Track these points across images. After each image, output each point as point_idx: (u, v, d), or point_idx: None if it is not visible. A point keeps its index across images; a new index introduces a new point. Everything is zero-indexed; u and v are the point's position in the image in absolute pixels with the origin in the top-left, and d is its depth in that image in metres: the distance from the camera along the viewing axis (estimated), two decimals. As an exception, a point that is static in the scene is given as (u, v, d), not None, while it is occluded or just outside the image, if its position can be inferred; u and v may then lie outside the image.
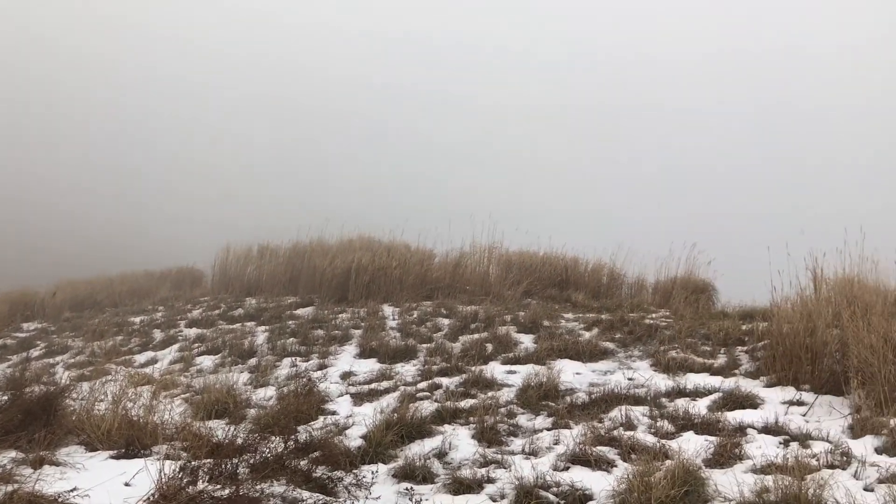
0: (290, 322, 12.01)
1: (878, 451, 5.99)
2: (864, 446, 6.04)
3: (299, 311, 12.82)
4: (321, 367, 9.40)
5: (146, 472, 5.09)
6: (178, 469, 5.03)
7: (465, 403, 7.53)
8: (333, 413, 7.56)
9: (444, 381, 8.40)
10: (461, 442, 6.55)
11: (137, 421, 6.35)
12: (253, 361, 10.02)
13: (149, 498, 4.66)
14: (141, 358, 11.16)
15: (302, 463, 5.87)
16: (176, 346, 11.53)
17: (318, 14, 44.24)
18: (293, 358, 9.86)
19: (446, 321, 11.16)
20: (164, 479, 4.77)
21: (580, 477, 5.65)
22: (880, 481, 5.33)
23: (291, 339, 10.77)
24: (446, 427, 6.94)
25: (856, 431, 6.40)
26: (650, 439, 6.34)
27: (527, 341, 9.83)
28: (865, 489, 5.24)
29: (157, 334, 12.67)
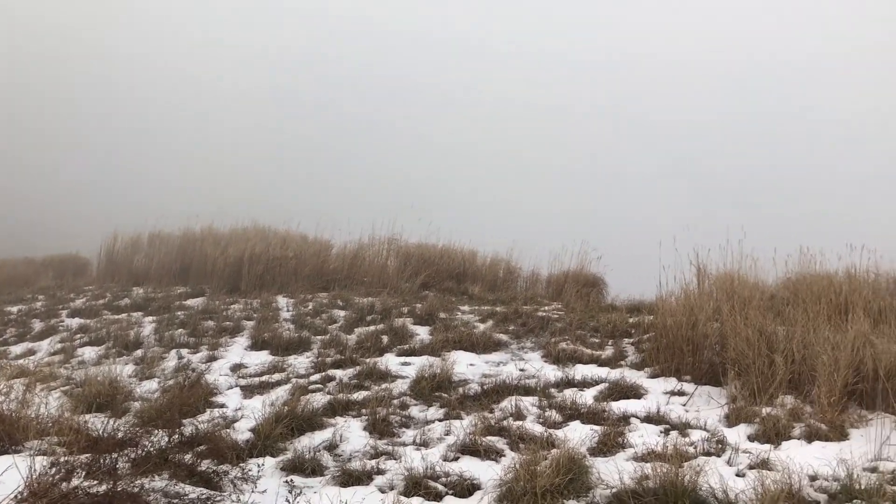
0: (180, 312, 11.65)
1: (751, 438, 6.31)
2: (737, 434, 6.35)
3: (189, 302, 12.45)
4: (211, 359, 9.16)
5: (15, 469, 4.82)
6: (48, 465, 4.79)
7: (359, 395, 7.48)
8: (222, 406, 7.37)
9: (338, 373, 8.33)
10: (352, 434, 6.52)
11: (9, 415, 6.02)
12: (139, 353, 9.66)
13: (17, 496, 4.41)
14: (17, 349, 10.60)
15: (186, 457, 5.70)
16: (57, 337, 11.00)
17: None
18: (181, 349, 9.57)
19: (342, 313, 11.07)
20: (34, 476, 4.53)
21: (469, 467, 5.72)
22: (751, 467, 5.61)
23: (180, 331, 10.45)
24: (338, 419, 6.89)
25: (731, 420, 6.72)
26: (538, 429, 6.47)
27: (423, 333, 9.86)
28: (737, 475, 5.50)
29: (37, 324, 12.05)
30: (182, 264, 14.80)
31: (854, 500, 4.84)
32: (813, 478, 5.32)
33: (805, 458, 5.69)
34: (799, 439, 6.18)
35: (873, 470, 5.46)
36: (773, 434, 6.26)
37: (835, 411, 6.50)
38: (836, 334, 7.26)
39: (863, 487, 5.00)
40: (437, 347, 9.08)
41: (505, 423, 6.60)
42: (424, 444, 6.31)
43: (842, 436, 6.21)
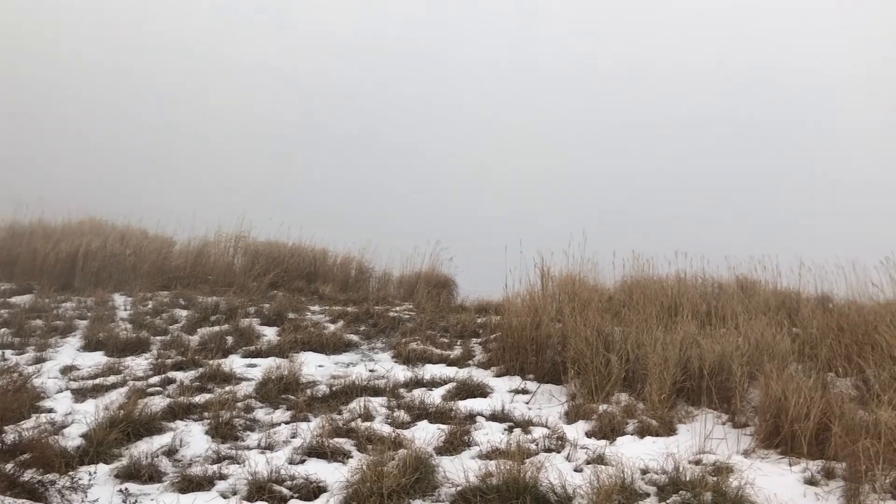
0: (3, 311, 10.80)
1: (589, 434, 6.61)
2: (576, 431, 6.64)
3: (15, 299, 11.54)
4: (39, 360, 8.53)
5: None
6: None
7: (201, 398, 7.21)
8: (50, 411, 6.89)
9: (179, 375, 7.98)
10: (194, 438, 6.27)
11: None
12: (-46, 355, 8.86)
13: None
14: None
15: (8, 466, 5.30)
16: None
17: None
18: (5, 350, 8.86)
19: (184, 312, 10.63)
20: None
21: (316, 469, 5.65)
22: (588, 462, 5.88)
23: (3, 330, 9.68)
24: (179, 423, 6.61)
25: (570, 417, 7.02)
26: (387, 429, 6.48)
27: (270, 334, 9.64)
28: (575, 470, 5.74)
29: None
30: (7, 259, 13.69)
31: (680, 492, 5.17)
32: (644, 471, 5.64)
33: (637, 452, 6.03)
34: (632, 435, 6.54)
35: (697, 462, 5.86)
36: (608, 430, 6.59)
37: (664, 408, 6.93)
38: (667, 335, 7.74)
39: (688, 479, 5.35)
40: (285, 348, 8.90)
41: (353, 424, 6.57)
42: (269, 447, 6.17)
43: (670, 431, 6.62)
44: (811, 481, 5.48)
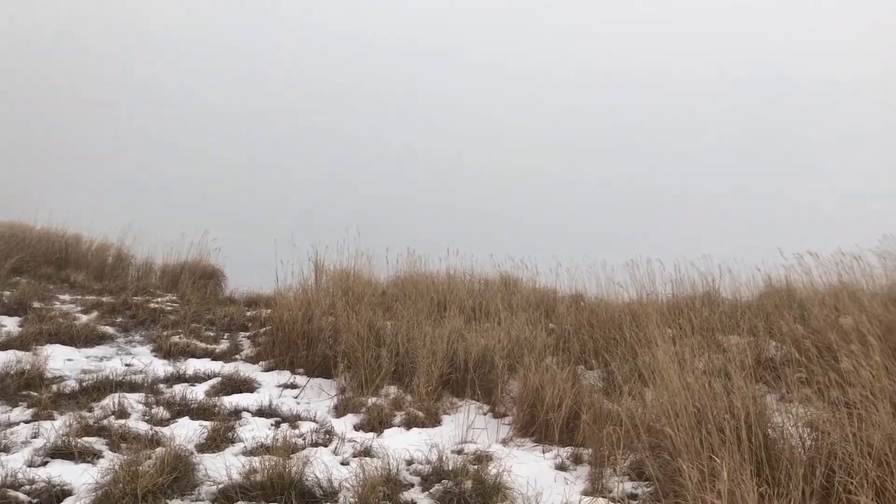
0: None
1: (357, 427, 6.63)
2: (344, 424, 6.63)
3: None
4: None
5: None
6: None
7: (-79, 396, 6.35)
8: None
9: None
10: None
11: None
12: None
13: None
14: None
15: None
16: None
17: None
18: None
19: None
20: None
21: (60, 471, 5.16)
22: (355, 455, 5.88)
23: None
24: None
25: (339, 411, 7.00)
26: (143, 427, 6.08)
27: (10, 324, 8.69)
28: (342, 463, 5.73)
29: None
30: None
31: (443, 481, 5.32)
32: (409, 462, 5.75)
33: (404, 444, 6.13)
34: (399, 427, 6.65)
35: (460, 452, 6.08)
36: (377, 423, 6.65)
37: (431, 400, 7.11)
38: (436, 329, 7.95)
39: (450, 468, 5.52)
40: (27, 340, 8.06)
41: (106, 422, 6.09)
42: (5, 449, 5.55)
43: (436, 422, 6.81)
44: (561, 467, 5.87)
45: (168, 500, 4.83)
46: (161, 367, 7.68)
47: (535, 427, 6.58)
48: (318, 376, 7.91)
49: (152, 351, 8.33)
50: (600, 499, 5.19)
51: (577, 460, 5.98)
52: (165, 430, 6.05)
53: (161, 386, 7.18)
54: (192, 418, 6.42)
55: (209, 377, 7.53)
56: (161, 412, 6.46)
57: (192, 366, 7.81)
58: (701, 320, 7.65)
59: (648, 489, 5.29)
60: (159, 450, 5.37)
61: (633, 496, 5.26)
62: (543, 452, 6.19)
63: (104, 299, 10.08)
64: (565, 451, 6.15)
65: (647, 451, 5.42)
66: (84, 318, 9.17)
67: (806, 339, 6.70)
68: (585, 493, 5.35)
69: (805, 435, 4.98)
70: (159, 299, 10.54)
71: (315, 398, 7.33)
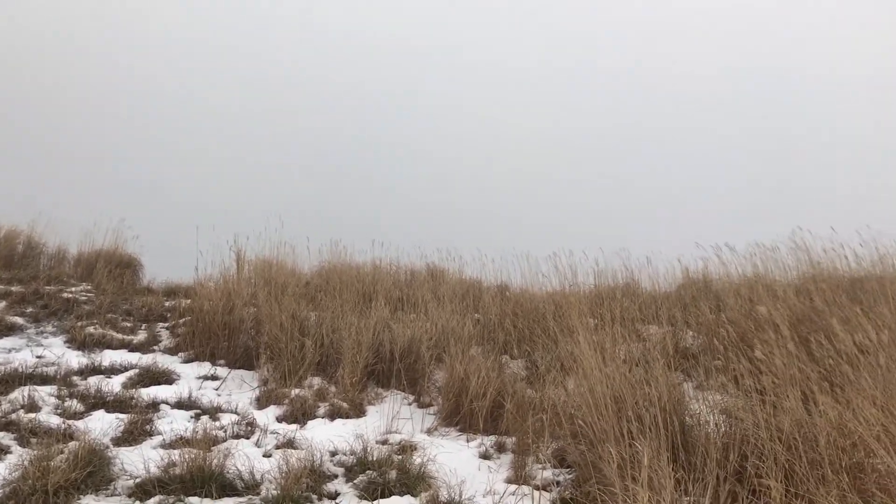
0: None
1: (280, 419, 6.54)
2: (267, 416, 6.53)
3: None
4: None
5: None
6: None
7: None
8: None
9: None
10: None
11: None
12: None
13: None
14: None
15: None
16: None
17: None
18: None
19: None
20: None
21: (-36, 469, 4.93)
22: (277, 447, 5.80)
23: None
24: None
25: (262, 402, 6.89)
26: (56, 420, 5.86)
27: None
28: (265, 455, 5.64)
29: None
30: None
31: (367, 471, 5.29)
32: (333, 453, 5.70)
33: (328, 435, 6.08)
34: (323, 418, 6.58)
35: (384, 442, 6.06)
36: (300, 414, 6.57)
37: (356, 390, 7.07)
38: (361, 320, 7.90)
39: (375, 459, 5.50)
40: (-72, 332, 7.69)
41: (14, 416, 5.84)
42: None
43: (360, 413, 6.78)
44: (485, 455, 5.92)
45: (81, 496, 4.67)
46: (75, 359, 7.40)
47: (459, 416, 6.61)
48: (239, 368, 7.76)
49: (66, 342, 8.02)
50: (523, 486, 5.25)
51: (500, 449, 6.04)
52: (79, 424, 5.84)
53: (75, 378, 6.92)
54: (108, 411, 6.22)
55: (126, 369, 7.30)
56: (75, 405, 6.23)
57: (109, 357, 7.56)
58: (622, 310, 7.83)
59: (570, 476, 5.38)
60: (72, 444, 5.19)
61: (556, 483, 5.34)
62: (468, 441, 6.23)
63: (13, 288, 9.65)
64: (489, 440, 6.20)
65: (569, 438, 5.51)
66: (-9, 309, 8.77)
67: (721, 328, 6.92)
68: (509, 480, 5.41)
69: (720, 421, 5.14)
70: (73, 289, 10.16)
71: (236, 390, 7.19)
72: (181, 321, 8.89)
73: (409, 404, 7.11)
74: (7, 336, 8.03)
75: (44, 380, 6.76)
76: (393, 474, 5.21)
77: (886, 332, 5.43)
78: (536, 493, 5.05)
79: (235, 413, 6.51)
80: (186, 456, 5.06)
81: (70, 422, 5.85)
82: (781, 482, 4.24)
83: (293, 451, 5.62)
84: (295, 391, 7.03)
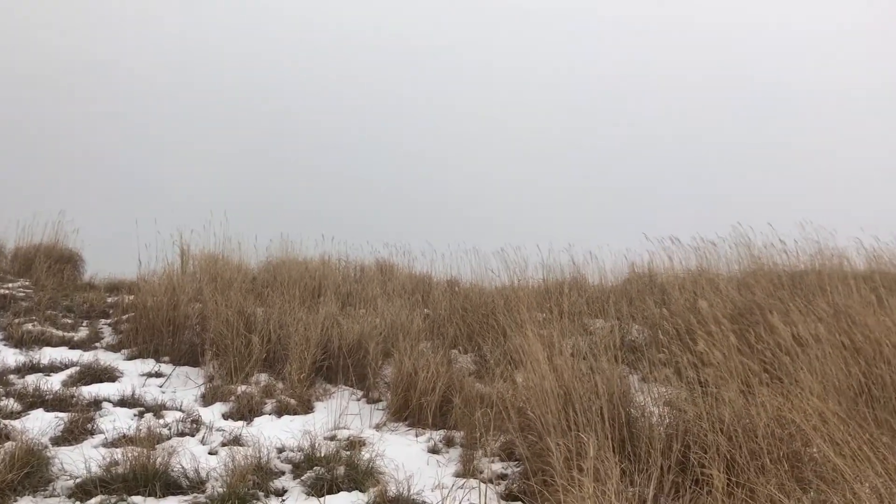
0: None
1: (226, 416, 6.45)
2: (213, 413, 6.43)
3: None
4: None
5: None
6: None
7: None
8: None
9: None
10: None
11: None
12: None
13: None
14: None
15: None
16: None
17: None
18: None
19: None
20: None
21: None
22: (223, 444, 5.72)
23: None
24: None
25: (207, 399, 6.79)
26: (-8, 421, 5.69)
27: None
28: (210, 453, 5.55)
29: None
30: None
31: (315, 467, 5.25)
32: (280, 450, 5.64)
33: (275, 431, 6.02)
34: (270, 415, 6.52)
35: (332, 438, 6.02)
36: (246, 411, 6.50)
37: (303, 386, 7.02)
38: (310, 315, 7.84)
39: (322, 455, 5.46)
40: None
41: (-53, 416, 5.66)
42: None
43: (308, 409, 6.72)
44: (434, 450, 5.92)
45: (18, 497, 4.55)
46: (12, 357, 7.20)
47: (408, 411, 6.61)
48: (184, 364, 7.64)
49: (2, 340, 7.79)
50: (471, 479, 5.27)
51: (449, 443, 6.06)
52: (16, 424, 5.67)
53: (12, 377, 6.73)
54: (47, 410, 6.06)
55: (66, 366, 7.12)
56: (11, 404, 6.05)
57: (48, 355, 7.36)
58: (570, 304, 7.91)
59: (518, 469, 5.42)
60: (8, 444, 5.04)
61: (503, 476, 5.38)
62: (417, 436, 6.23)
63: (-53, 285, 9.35)
64: (438, 435, 6.21)
65: (517, 432, 5.54)
66: (-77, 306, 8.47)
67: (665, 321, 7.04)
68: (457, 474, 5.43)
69: (664, 413, 5.24)
70: (10, 285, 9.87)
71: (181, 387, 7.07)
72: (124, 317, 8.71)
73: (358, 400, 7.09)
74: (-60, 334, 7.78)
75: (-21, 379, 6.56)
76: (341, 470, 5.19)
77: (822, 326, 5.59)
78: (484, 487, 5.07)
79: (180, 410, 6.40)
80: (129, 454, 4.95)
81: (6, 421, 5.68)
82: (723, 472, 4.33)
83: (239, 448, 5.54)
84: (241, 388, 6.94)
